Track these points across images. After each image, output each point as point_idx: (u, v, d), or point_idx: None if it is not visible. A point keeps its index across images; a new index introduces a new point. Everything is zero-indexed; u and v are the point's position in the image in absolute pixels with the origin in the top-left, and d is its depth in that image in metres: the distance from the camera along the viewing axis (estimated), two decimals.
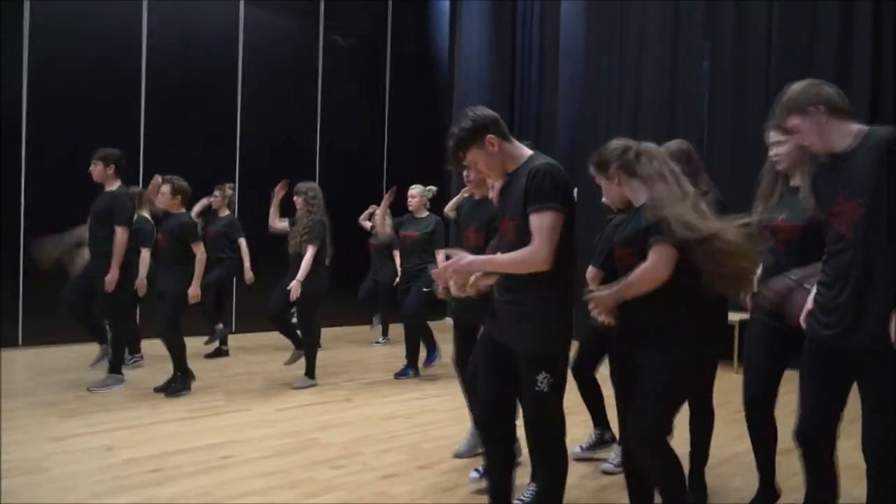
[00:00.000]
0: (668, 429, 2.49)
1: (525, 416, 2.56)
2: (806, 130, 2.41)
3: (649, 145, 2.60)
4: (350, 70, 9.54)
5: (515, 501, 3.10)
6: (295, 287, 5.37)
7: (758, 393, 2.92)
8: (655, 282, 2.36)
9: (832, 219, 2.40)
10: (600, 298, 2.47)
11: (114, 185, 5.29)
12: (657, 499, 2.55)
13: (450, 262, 2.47)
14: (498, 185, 3.25)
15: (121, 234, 5.17)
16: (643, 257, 2.39)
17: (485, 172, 2.59)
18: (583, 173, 4.58)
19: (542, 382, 2.46)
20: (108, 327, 5.34)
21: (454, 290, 2.70)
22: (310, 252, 5.43)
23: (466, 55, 10.68)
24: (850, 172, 2.33)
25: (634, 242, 2.45)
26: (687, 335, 2.42)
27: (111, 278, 5.11)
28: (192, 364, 5.90)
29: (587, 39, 9.51)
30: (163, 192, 5.20)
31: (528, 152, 2.59)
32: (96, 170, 5.27)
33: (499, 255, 2.50)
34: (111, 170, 5.29)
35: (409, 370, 6.12)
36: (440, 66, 10.69)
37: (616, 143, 2.63)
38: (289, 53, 8.98)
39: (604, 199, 2.82)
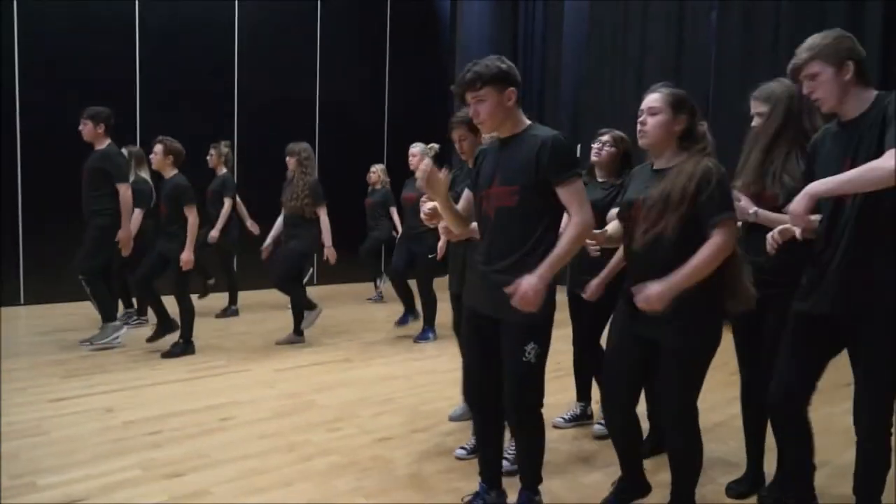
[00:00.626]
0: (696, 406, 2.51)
1: (508, 384, 2.55)
2: (826, 83, 2.29)
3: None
4: (349, 25, 9.39)
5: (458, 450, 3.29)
6: (330, 252, 5.58)
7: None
8: (719, 263, 2.30)
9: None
10: (659, 295, 2.26)
11: (103, 144, 5.27)
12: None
13: (521, 294, 2.35)
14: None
15: (124, 191, 5.21)
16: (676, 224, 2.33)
17: (482, 118, 2.49)
18: (587, 128, 4.55)
19: (529, 352, 2.47)
20: (83, 282, 5.30)
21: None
22: (323, 215, 5.52)
23: (469, 9, 10.50)
24: (860, 140, 2.26)
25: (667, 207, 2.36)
26: (712, 309, 2.40)
27: (124, 237, 5.20)
28: (199, 322, 5.94)
29: (591, 23, 9.33)
30: (155, 153, 5.16)
31: (527, 121, 2.57)
32: (86, 129, 5.25)
33: (559, 252, 2.36)
34: (101, 129, 5.26)
35: (429, 333, 6.04)
36: (442, 20, 10.51)
37: None
38: (286, 9, 8.82)
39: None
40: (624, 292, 2.59)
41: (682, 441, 2.53)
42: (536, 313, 2.40)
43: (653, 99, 2.48)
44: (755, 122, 2.85)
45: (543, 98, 10.24)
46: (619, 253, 3.10)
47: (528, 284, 2.32)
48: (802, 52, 2.32)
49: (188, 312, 5.25)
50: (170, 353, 5.15)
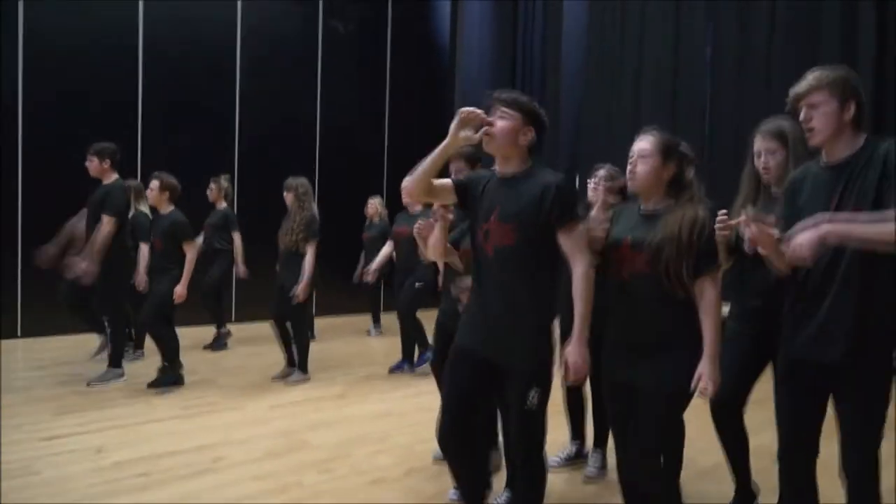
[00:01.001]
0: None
1: (511, 431, 2.57)
2: (826, 115, 2.24)
3: None
4: (350, 58, 9.48)
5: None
6: (302, 290, 5.41)
7: (725, 397, 2.89)
8: None
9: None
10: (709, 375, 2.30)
11: (110, 179, 5.29)
12: None
13: (574, 368, 2.44)
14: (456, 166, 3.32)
15: (105, 224, 5.10)
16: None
17: (495, 131, 2.49)
18: (586, 158, 4.57)
19: (532, 399, 2.45)
20: (106, 322, 5.35)
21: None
22: (310, 252, 5.46)
23: (468, 40, 10.62)
24: (847, 184, 2.24)
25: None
26: (691, 346, 2.38)
27: (87, 268, 5.01)
28: (191, 355, 5.99)
29: (590, 23, 9.49)
30: (151, 188, 5.18)
31: (531, 163, 2.58)
32: (92, 165, 5.27)
33: (582, 310, 2.42)
34: (107, 164, 5.28)
35: (405, 364, 6.14)
36: (442, 51, 10.60)
37: None
38: (288, 41, 8.92)
39: None
40: (607, 334, 2.59)
41: (664, 489, 2.48)
42: (538, 360, 2.43)
43: (643, 144, 2.49)
44: (762, 158, 2.82)
45: (543, 104, 10.27)
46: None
47: (574, 356, 2.41)
48: (809, 80, 2.28)
49: (171, 342, 5.24)
50: (157, 383, 5.16)
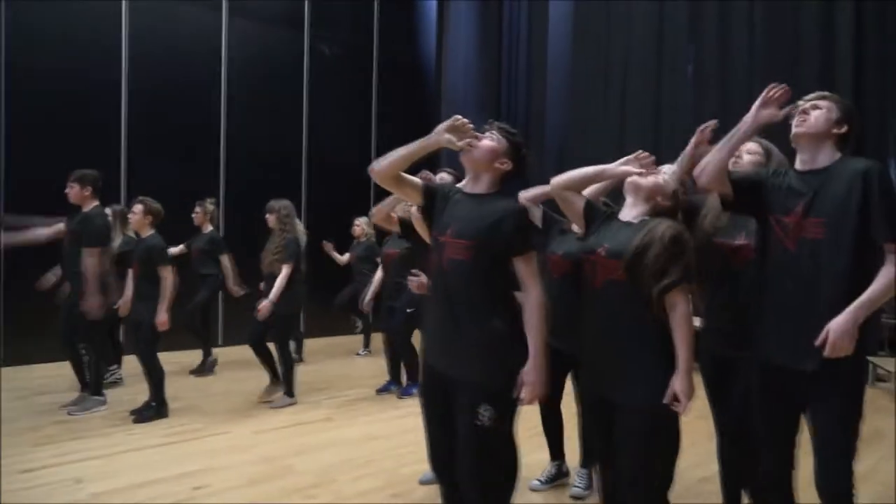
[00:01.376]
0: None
1: (460, 452, 2.46)
2: (822, 118, 2.36)
3: None
4: (337, 80, 9.49)
5: None
6: (265, 307, 5.33)
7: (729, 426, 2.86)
8: None
9: (777, 227, 2.37)
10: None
11: (90, 206, 5.23)
12: None
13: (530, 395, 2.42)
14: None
15: (86, 256, 5.03)
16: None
17: (476, 151, 2.52)
18: (573, 159, 4.57)
19: (483, 415, 2.39)
20: (83, 350, 5.27)
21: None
22: (283, 272, 5.39)
23: (454, 62, 10.67)
24: (816, 193, 2.30)
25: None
26: (665, 359, 2.34)
27: (91, 304, 5.00)
28: (176, 381, 5.90)
29: (574, 42, 9.55)
30: (134, 212, 5.13)
31: (498, 187, 2.59)
32: (73, 192, 5.21)
33: (534, 339, 2.41)
34: (88, 191, 5.23)
35: (392, 385, 6.08)
36: (427, 73, 10.64)
37: None
38: (274, 64, 8.92)
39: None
40: (584, 350, 2.55)
41: None
42: (488, 375, 2.38)
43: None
44: (743, 157, 2.81)
45: (529, 130, 10.33)
46: None
47: (530, 382, 2.39)
48: (824, 92, 2.43)
49: (157, 373, 5.14)
50: (141, 417, 5.04)
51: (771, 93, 2.40)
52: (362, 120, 9.89)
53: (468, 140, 2.49)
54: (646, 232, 2.37)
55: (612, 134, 8.80)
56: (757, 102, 2.43)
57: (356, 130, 9.82)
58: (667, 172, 2.58)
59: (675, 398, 2.28)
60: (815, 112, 2.37)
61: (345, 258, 7.74)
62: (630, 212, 2.52)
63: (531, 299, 2.43)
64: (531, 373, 2.39)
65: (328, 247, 7.69)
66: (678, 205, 2.55)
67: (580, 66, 9.41)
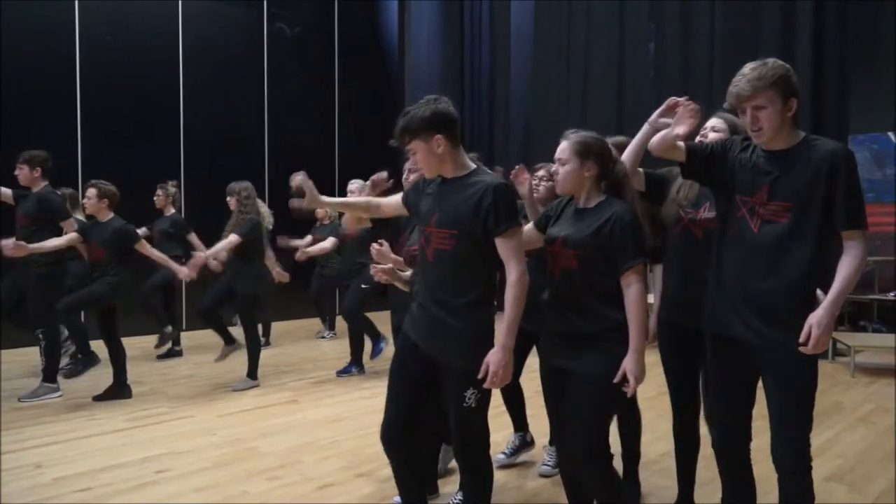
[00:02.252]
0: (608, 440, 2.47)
1: (453, 430, 2.54)
2: (772, 116, 2.25)
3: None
4: (298, 60, 9.39)
5: None
6: (198, 258, 5.30)
7: (682, 401, 2.92)
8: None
9: (743, 207, 2.37)
10: (825, 330, 2.19)
11: (39, 187, 5.16)
12: None
13: (492, 375, 2.37)
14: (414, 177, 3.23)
15: (69, 227, 5.13)
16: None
17: (420, 165, 2.53)
18: (538, 153, 4.61)
19: (469, 398, 2.44)
20: (40, 335, 5.18)
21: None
22: (230, 238, 5.35)
23: (416, 42, 10.63)
24: (780, 174, 2.29)
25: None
26: (624, 334, 2.38)
27: (16, 246, 4.76)
28: (143, 366, 5.87)
29: (536, 23, 9.58)
30: (89, 197, 5.06)
31: (472, 165, 2.54)
32: (22, 173, 5.14)
33: (509, 313, 2.38)
34: (37, 172, 5.16)
35: (353, 367, 6.11)
36: (391, 50, 10.58)
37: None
38: (232, 44, 8.81)
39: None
40: (545, 328, 2.60)
41: (598, 476, 2.46)
42: (475, 360, 2.39)
43: (561, 149, 2.54)
44: (708, 134, 2.85)
45: (493, 127, 10.38)
46: None
47: (496, 362, 2.36)
48: (751, 80, 2.25)
49: (119, 354, 5.15)
50: (102, 396, 5.03)
51: (671, 104, 2.49)
52: (324, 101, 9.80)
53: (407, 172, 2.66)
54: (600, 222, 2.40)
55: (574, 110, 8.87)
56: (658, 111, 2.55)
57: (318, 111, 9.74)
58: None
59: (625, 378, 2.32)
60: (763, 114, 2.26)
61: (306, 241, 7.68)
62: (579, 200, 2.54)
63: (511, 276, 2.39)
64: (496, 359, 2.37)
65: (284, 241, 7.54)
66: (601, 159, 2.50)
67: (542, 44, 9.46)
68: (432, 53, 10.65)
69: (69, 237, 5.10)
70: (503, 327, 2.39)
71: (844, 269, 2.23)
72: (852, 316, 8.24)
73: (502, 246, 2.40)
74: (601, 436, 2.43)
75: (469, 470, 2.60)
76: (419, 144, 2.44)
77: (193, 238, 6.73)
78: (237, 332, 5.74)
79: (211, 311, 5.59)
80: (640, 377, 2.32)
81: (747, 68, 2.29)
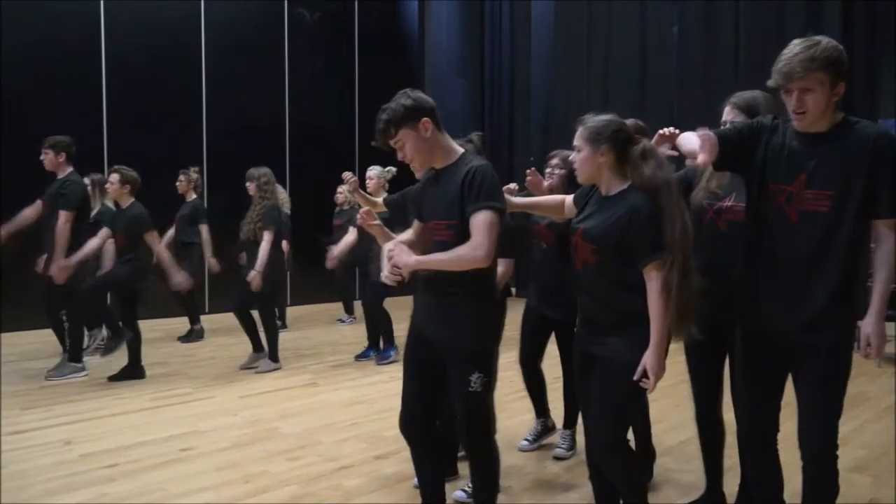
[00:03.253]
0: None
1: (458, 415, 2.56)
2: (820, 99, 2.14)
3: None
4: (318, 46, 9.42)
5: (457, 492, 3.17)
6: (254, 277, 5.39)
7: (704, 392, 2.92)
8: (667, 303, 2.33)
9: (780, 196, 2.27)
10: (880, 336, 2.23)
11: (65, 173, 5.24)
12: None
13: (393, 255, 2.44)
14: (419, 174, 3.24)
15: (61, 219, 5.06)
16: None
17: (409, 157, 2.49)
18: (559, 140, 4.62)
19: (475, 382, 2.46)
20: (63, 317, 5.29)
21: (386, 278, 2.56)
22: (266, 239, 5.44)
23: (436, 27, 10.60)
24: (819, 160, 2.20)
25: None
26: (646, 324, 2.33)
27: (61, 266, 5.00)
28: (163, 346, 6.00)
29: (557, 8, 9.52)
30: (111, 182, 5.13)
31: (460, 150, 2.55)
32: (47, 158, 5.23)
33: (439, 254, 2.42)
34: (62, 157, 5.24)
35: (370, 351, 6.18)
36: (411, 38, 10.56)
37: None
38: (253, 30, 8.85)
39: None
40: (578, 311, 2.60)
41: (616, 464, 2.48)
42: (479, 341, 2.42)
43: (575, 137, 2.48)
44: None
45: (513, 114, 10.36)
46: None
47: (398, 254, 2.43)
48: (804, 60, 2.11)
49: (135, 338, 5.24)
50: (118, 377, 5.15)
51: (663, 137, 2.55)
52: (345, 85, 9.83)
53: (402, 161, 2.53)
54: (616, 217, 2.35)
55: (596, 97, 8.82)
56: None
57: (339, 96, 9.77)
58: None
59: (645, 374, 2.30)
60: (810, 97, 2.15)
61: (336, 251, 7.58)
62: (602, 187, 2.48)
63: (470, 243, 2.34)
64: (398, 259, 2.44)
65: (322, 243, 7.58)
66: (617, 143, 2.42)
67: (563, 30, 9.42)
68: (452, 38, 10.63)
69: (102, 235, 5.19)
70: (426, 257, 2.45)
71: (885, 263, 2.18)
72: None
73: (473, 222, 2.35)
74: (623, 422, 2.44)
75: (476, 455, 2.62)
76: (407, 133, 2.44)
77: (204, 229, 6.70)
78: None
79: (243, 312, 5.68)
80: (659, 374, 2.29)
81: (798, 46, 2.15)
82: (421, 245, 2.69)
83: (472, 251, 2.34)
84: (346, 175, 4.55)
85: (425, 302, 2.59)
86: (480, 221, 2.35)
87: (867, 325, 2.17)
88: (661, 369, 2.29)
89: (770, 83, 2.24)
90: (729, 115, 2.80)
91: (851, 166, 2.16)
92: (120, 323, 5.25)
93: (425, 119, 2.43)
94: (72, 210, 5.11)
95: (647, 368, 2.29)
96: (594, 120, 2.46)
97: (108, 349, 5.25)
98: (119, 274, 5.14)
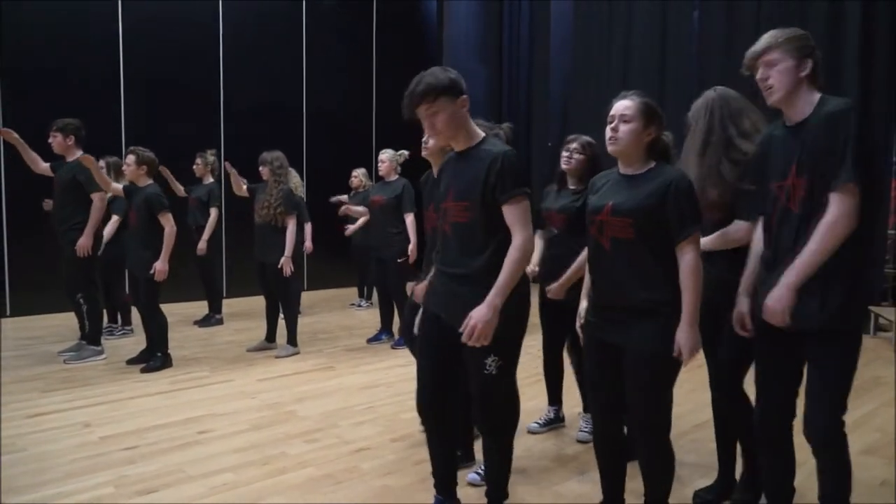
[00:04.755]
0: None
1: (474, 398, 2.56)
2: (783, 72, 2.24)
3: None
4: (336, 30, 9.39)
5: (471, 475, 3.16)
6: (286, 263, 5.44)
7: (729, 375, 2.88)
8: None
9: (780, 192, 2.31)
10: (778, 302, 2.20)
11: (75, 156, 5.24)
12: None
13: (471, 329, 2.35)
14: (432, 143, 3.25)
15: (97, 200, 5.17)
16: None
17: (438, 130, 2.46)
18: (577, 128, 4.58)
19: (490, 366, 2.45)
20: (81, 300, 5.32)
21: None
22: (291, 225, 5.48)
23: (455, 12, 10.52)
24: (802, 146, 2.24)
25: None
26: (676, 307, 2.33)
27: (84, 243, 5.10)
28: (181, 330, 6.06)
29: (576, 10, 9.40)
30: (127, 164, 5.13)
31: (482, 134, 2.54)
32: (56, 141, 5.23)
33: (502, 280, 2.35)
34: (71, 140, 5.25)
35: (382, 335, 6.20)
36: (429, 24, 10.50)
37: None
38: (272, 15, 8.83)
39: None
40: (591, 297, 2.58)
41: (652, 448, 2.47)
42: (498, 327, 2.38)
43: (625, 106, 2.42)
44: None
45: (531, 98, 10.28)
46: (583, 255, 3.15)
47: (478, 317, 2.32)
48: (765, 39, 2.29)
49: (161, 326, 5.20)
50: (148, 368, 5.12)
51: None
52: (362, 71, 9.80)
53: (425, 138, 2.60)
54: (656, 187, 2.33)
55: (615, 83, 8.73)
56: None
57: (356, 82, 9.75)
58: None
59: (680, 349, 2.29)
60: (774, 71, 2.26)
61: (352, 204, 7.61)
62: (628, 165, 2.46)
63: (515, 241, 2.37)
64: (482, 309, 2.33)
65: (336, 199, 7.64)
66: (660, 126, 2.43)
67: (582, 16, 9.32)
68: (470, 25, 10.55)
69: (114, 221, 5.21)
70: (496, 286, 2.35)
71: (817, 234, 2.16)
72: (895, 291, 8.07)
73: (508, 212, 2.39)
74: (662, 409, 2.42)
75: (490, 433, 2.61)
76: (445, 103, 2.42)
77: (213, 213, 6.66)
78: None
79: (273, 301, 5.78)
80: (693, 349, 2.28)
81: (767, 33, 2.31)
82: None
83: (522, 250, 2.37)
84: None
85: (441, 285, 2.58)
86: (518, 212, 2.39)
87: (779, 295, 2.19)
88: (695, 344, 2.29)
89: (742, 70, 2.37)
90: (689, 123, 2.81)
91: (822, 146, 2.18)
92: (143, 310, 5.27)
93: (465, 96, 2.46)
94: (101, 190, 5.19)
95: (680, 344, 2.28)
96: (647, 98, 2.44)
97: (150, 367, 5.16)
98: (142, 259, 5.08)
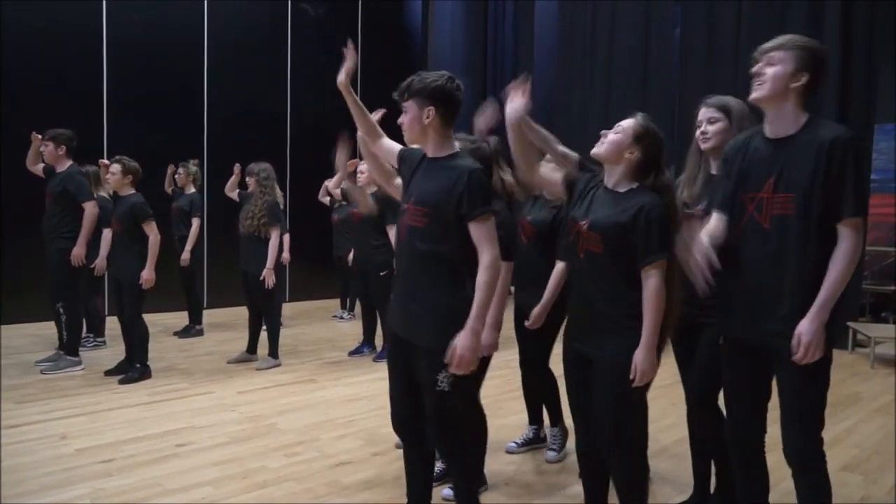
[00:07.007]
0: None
1: (428, 415, 2.51)
2: (777, 74, 2.23)
3: None
4: (320, 41, 9.39)
5: (445, 490, 3.14)
6: (268, 275, 5.42)
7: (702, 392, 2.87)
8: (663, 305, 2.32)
9: (751, 205, 2.30)
10: (814, 338, 2.14)
11: (65, 166, 5.24)
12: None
13: (458, 359, 2.32)
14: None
15: (90, 209, 5.18)
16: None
17: (404, 127, 2.54)
18: (561, 138, 4.58)
19: (442, 381, 2.41)
20: (61, 309, 5.26)
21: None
22: (273, 237, 5.47)
23: (440, 23, 10.58)
24: (785, 162, 2.23)
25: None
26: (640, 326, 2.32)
27: (78, 252, 5.11)
28: (161, 341, 6.01)
29: (561, 5, 9.52)
30: (112, 173, 5.10)
31: (455, 147, 2.55)
32: (47, 150, 5.22)
33: (477, 303, 2.32)
34: (62, 150, 5.23)
35: (364, 348, 6.18)
36: (413, 34, 10.54)
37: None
38: (256, 24, 8.83)
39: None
40: (568, 311, 2.58)
41: (620, 463, 2.45)
42: (445, 339, 2.33)
43: (625, 121, 2.45)
44: (704, 127, 2.76)
45: None
46: (556, 275, 3.18)
47: (462, 346, 2.30)
48: (778, 39, 2.28)
49: (142, 337, 5.15)
50: (126, 379, 5.05)
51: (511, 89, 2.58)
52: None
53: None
54: (632, 211, 2.32)
55: (599, 94, 8.83)
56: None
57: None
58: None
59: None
60: (771, 70, 2.25)
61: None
62: (611, 178, 2.46)
63: (483, 260, 2.35)
64: (464, 337, 2.30)
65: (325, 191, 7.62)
66: (650, 151, 2.40)
67: (566, 28, 9.41)
68: (456, 35, 10.61)
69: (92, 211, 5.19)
70: (473, 309, 2.33)
71: (836, 265, 2.15)
72: (873, 307, 8.17)
73: (475, 230, 2.37)
74: (631, 424, 2.40)
75: (449, 456, 2.57)
76: (412, 106, 2.47)
77: (194, 223, 6.59)
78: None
79: (256, 312, 5.77)
80: (647, 372, 2.27)
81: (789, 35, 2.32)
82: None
83: (492, 269, 2.34)
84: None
85: (400, 300, 2.56)
86: (485, 230, 2.37)
87: (800, 325, 2.14)
88: (650, 368, 2.27)
89: (752, 59, 2.36)
90: (704, 113, 2.79)
91: (812, 167, 2.17)
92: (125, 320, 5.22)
93: (431, 108, 2.44)
94: (92, 199, 5.23)
95: (636, 365, 2.27)
96: (648, 122, 2.43)
97: (129, 379, 5.10)
98: (130, 276, 5.04)
